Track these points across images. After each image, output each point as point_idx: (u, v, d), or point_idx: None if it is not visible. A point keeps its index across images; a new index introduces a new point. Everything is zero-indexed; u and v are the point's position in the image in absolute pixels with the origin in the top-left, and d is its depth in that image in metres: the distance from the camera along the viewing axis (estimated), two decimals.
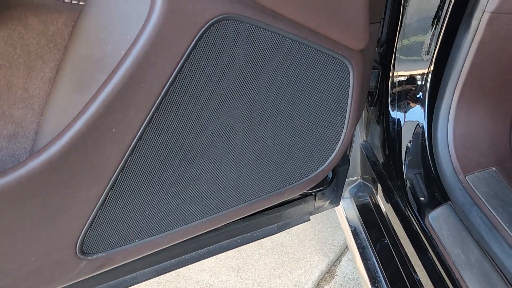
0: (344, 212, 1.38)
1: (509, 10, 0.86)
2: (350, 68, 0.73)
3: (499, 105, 0.98)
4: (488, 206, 0.86)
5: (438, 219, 0.91)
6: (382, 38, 1.11)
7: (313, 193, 1.16)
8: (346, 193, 1.38)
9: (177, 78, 0.57)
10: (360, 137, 1.34)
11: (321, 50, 0.67)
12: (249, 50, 0.61)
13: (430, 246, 0.90)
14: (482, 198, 0.88)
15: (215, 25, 0.56)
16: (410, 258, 0.98)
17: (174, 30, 0.53)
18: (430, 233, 0.91)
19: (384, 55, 1.12)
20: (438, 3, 0.93)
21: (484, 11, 0.87)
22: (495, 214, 0.83)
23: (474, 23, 0.89)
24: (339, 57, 0.70)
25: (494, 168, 0.95)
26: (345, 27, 0.66)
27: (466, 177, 0.93)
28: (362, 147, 1.31)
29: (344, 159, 1.20)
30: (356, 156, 1.34)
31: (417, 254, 0.95)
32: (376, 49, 1.15)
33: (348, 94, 0.77)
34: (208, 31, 0.56)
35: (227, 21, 0.57)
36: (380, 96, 1.13)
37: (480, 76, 0.93)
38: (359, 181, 1.38)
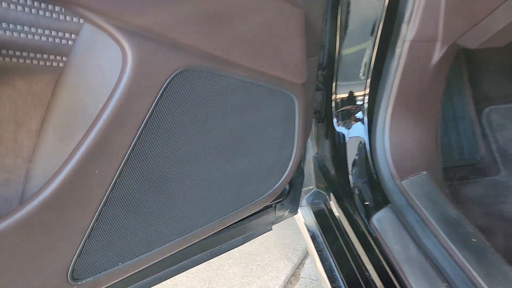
0: (303, 219, 1.50)
1: (424, 38, 1.01)
2: (295, 99, 0.85)
3: (424, 118, 1.14)
4: (421, 206, 1.00)
5: (381, 221, 1.05)
6: (324, 63, 1.25)
7: (273, 205, 1.28)
8: (303, 201, 1.51)
9: (148, 123, 0.67)
10: (312, 150, 1.47)
11: (268, 87, 0.79)
12: (207, 93, 0.72)
13: (375, 245, 1.04)
14: (415, 200, 1.03)
15: (177, 76, 0.67)
16: (360, 257, 1.12)
17: (144, 83, 0.63)
18: (375, 233, 1.04)
19: (327, 78, 1.26)
20: (369, 34, 1.08)
21: (404, 40, 1.02)
22: (426, 213, 0.98)
23: (397, 50, 1.04)
24: (284, 91, 0.82)
25: (425, 172, 1.11)
26: (287, 67, 0.78)
27: (402, 182, 1.08)
28: (314, 159, 1.45)
29: (299, 172, 1.33)
30: (310, 168, 1.47)
31: (365, 252, 1.08)
32: (320, 72, 1.29)
33: (295, 121, 0.90)
34: (172, 81, 0.66)
35: (187, 71, 0.68)
36: (326, 115, 1.27)
37: (407, 95, 1.09)
38: (314, 189, 1.51)
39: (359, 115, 1.16)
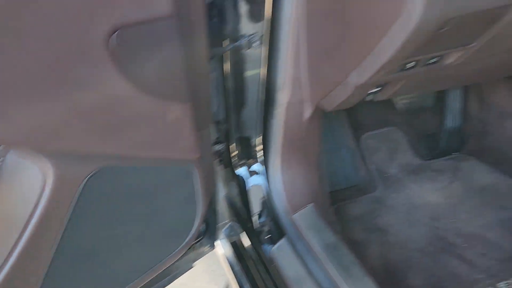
0: (222, 249, 1.70)
1: (295, 101, 1.26)
2: (193, 171, 1.05)
3: (307, 160, 1.40)
4: (308, 236, 1.25)
5: (279, 250, 1.29)
6: (222, 118, 1.47)
7: (192, 246, 1.47)
8: (221, 235, 1.71)
9: (72, 217, 0.83)
10: (223, 190, 1.68)
11: (169, 167, 0.99)
12: (119, 182, 0.90)
13: (276, 271, 1.27)
14: (304, 230, 1.27)
15: (91, 177, 0.84)
16: (266, 283, 1.34)
17: (64, 190, 0.80)
18: (274, 262, 1.27)
19: (225, 131, 1.48)
20: (254, 101, 1.31)
21: (281, 104, 1.27)
22: (311, 241, 1.23)
23: (277, 111, 1.28)
24: (184, 167, 1.02)
25: (311, 204, 1.36)
26: (182, 149, 0.98)
27: (293, 216, 1.33)
28: (226, 198, 1.66)
29: (212, 212, 1.53)
30: (223, 205, 1.68)
31: (270, 278, 1.31)
32: (221, 126, 1.50)
33: (197, 186, 1.10)
34: (87, 182, 0.83)
35: (99, 171, 0.85)
36: (229, 164, 1.49)
37: (290, 145, 1.34)
38: (230, 223, 1.72)
39: (257, 165, 1.39)
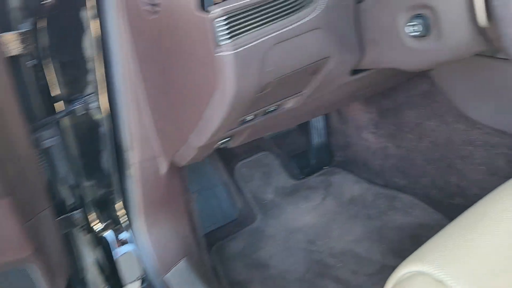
0: None
1: (147, 158, 1.18)
2: (31, 265, 0.93)
3: (174, 212, 1.34)
4: None
5: None
6: (74, 184, 1.34)
7: None
8: None
9: None
10: (93, 254, 1.54)
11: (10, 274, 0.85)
12: None
13: None
14: None
15: None
16: None
17: None
18: None
19: (80, 196, 1.35)
20: (105, 163, 1.21)
21: (132, 163, 1.18)
22: None
23: (130, 171, 1.20)
24: (14, 270, 0.89)
25: (183, 259, 1.30)
26: (8, 252, 0.85)
27: (166, 276, 1.25)
28: (95, 264, 1.52)
29: (80, 283, 1.39)
30: (94, 271, 1.54)
31: None
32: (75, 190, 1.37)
33: (39, 278, 0.97)
34: None
35: None
36: (90, 229, 1.37)
37: (151, 201, 1.26)
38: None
39: (124, 233, 1.30)
